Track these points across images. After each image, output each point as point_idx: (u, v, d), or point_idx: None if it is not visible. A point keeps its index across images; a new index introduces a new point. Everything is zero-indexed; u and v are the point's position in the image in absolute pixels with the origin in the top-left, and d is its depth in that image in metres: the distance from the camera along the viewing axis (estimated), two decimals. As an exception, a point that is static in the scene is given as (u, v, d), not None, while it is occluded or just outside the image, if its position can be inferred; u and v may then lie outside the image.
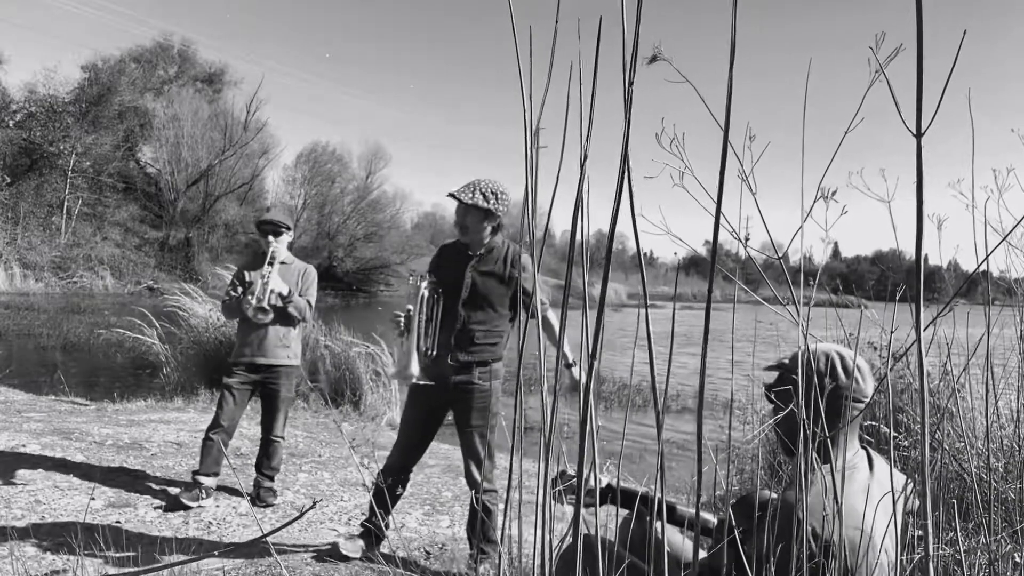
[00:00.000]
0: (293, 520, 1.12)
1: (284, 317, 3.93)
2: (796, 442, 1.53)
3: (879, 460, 1.64)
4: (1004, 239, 1.25)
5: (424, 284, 2.99)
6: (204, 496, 3.76)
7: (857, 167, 1.15)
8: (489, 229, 3.03)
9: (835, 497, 1.28)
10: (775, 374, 1.67)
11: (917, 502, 1.60)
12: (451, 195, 2.97)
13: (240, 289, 3.90)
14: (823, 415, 1.35)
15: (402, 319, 2.96)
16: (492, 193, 2.95)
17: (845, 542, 1.36)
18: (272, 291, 3.81)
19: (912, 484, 1.57)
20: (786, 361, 1.66)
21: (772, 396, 1.65)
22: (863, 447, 1.64)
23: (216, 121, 38.59)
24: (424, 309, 2.97)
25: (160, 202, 37.58)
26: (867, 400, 1.58)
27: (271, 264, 3.86)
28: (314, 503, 1.23)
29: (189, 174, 37.55)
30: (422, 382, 2.90)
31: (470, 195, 2.92)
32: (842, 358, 1.58)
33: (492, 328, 3.03)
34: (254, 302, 3.77)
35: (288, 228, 4.01)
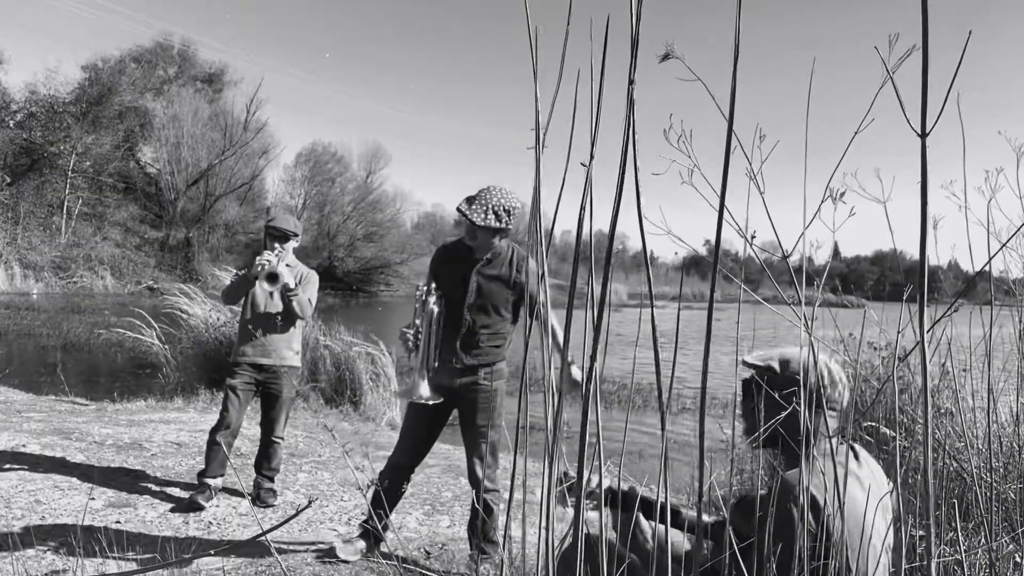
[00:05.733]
0: (288, 519, 1.12)
1: (285, 318, 3.92)
2: (777, 437, 1.69)
3: (866, 455, 1.71)
4: (1004, 246, 1.25)
5: (432, 299, 2.94)
6: (213, 496, 3.76)
7: (854, 167, 1.16)
8: (498, 240, 3.01)
9: (836, 482, 1.28)
10: (754, 367, 1.77)
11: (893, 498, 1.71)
12: (461, 214, 2.85)
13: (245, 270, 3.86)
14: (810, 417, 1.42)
15: (410, 336, 2.92)
16: (504, 211, 2.85)
17: (846, 520, 1.41)
18: (283, 260, 3.77)
19: (893, 483, 1.67)
20: (773, 363, 1.74)
21: (764, 389, 1.72)
22: (848, 443, 1.68)
23: (216, 121, 38.59)
24: (435, 328, 2.93)
25: (160, 202, 37.57)
26: (842, 407, 1.74)
27: (283, 247, 3.85)
28: (309, 503, 1.22)
29: (189, 174, 37.54)
30: (431, 403, 2.87)
31: (482, 216, 2.82)
32: (829, 369, 1.73)
33: (496, 331, 3.03)
34: (266, 265, 3.67)
35: (296, 235, 3.99)
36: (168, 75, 40.96)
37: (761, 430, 1.69)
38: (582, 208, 0.99)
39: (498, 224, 2.84)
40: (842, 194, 1.03)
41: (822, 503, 1.47)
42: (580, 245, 1.02)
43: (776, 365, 1.74)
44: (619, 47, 0.95)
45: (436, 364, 2.96)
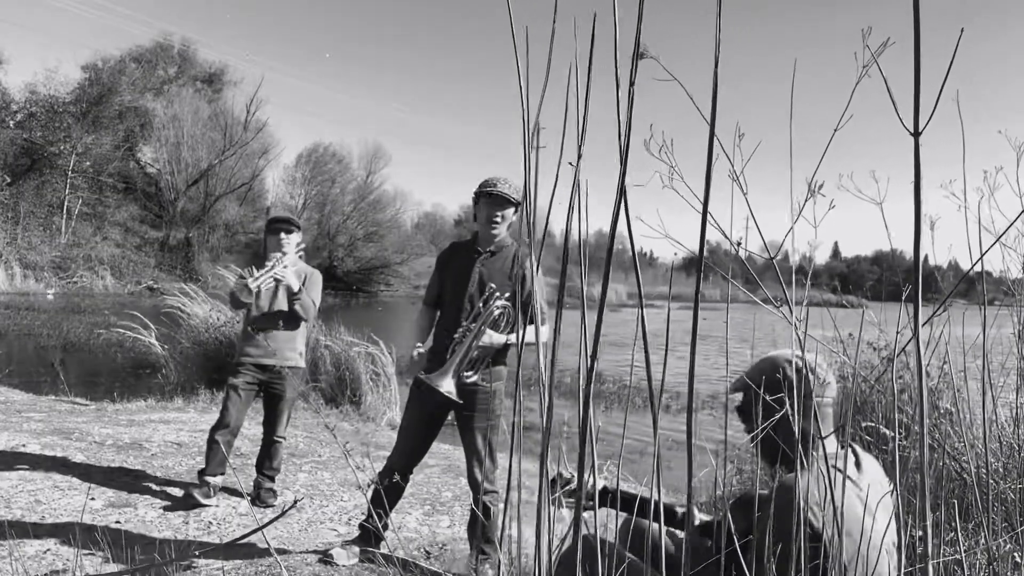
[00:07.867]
0: (276, 518, 1.12)
1: (289, 318, 3.93)
2: (777, 449, 1.61)
3: (867, 458, 1.66)
4: (997, 240, 1.25)
5: (500, 303, 2.92)
6: (212, 494, 3.76)
7: (851, 169, 1.16)
8: (512, 217, 3.09)
9: (831, 494, 1.28)
10: (741, 392, 1.76)
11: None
12: (501, 194, 2.97)
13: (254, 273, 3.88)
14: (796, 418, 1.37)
15: (457, 333, 2.92)
16: (516, 190, 3.05)
17: (843, 536, 1.38)
18: (286, 267, 3.80)
19: (894, 485, 1.63)
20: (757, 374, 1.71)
21: (742, 412, 1.74)
22: (849, 445, 1.64)
23: (216, 121, 38.57)
24: (483, 327, 2.89)
25: (160, 202, 37.57)
26: (832, 398, 1.69)
27: (285, 254, 3.88)
28: (295, 502, 1.23)
29: (189, 174, 37.53)
30: (453, 399, 2.83)
31: (507, 187, 3.01)
32: (814, 366, 1.67)
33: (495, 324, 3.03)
34: (281, 282, 3.80)
35: (298, 227, 4.00)
36: (168, 75, 40.94)
37: (753, 443, 1.68)
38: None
39: (517, 198, 3.01)
40: (820, 187, 1.03)
41: (819, 525, 1.40)
42: (569, 244, 1.02)
43: (750, 374, 1.72)
44: (611, 48, 0.95)
45: (431, 355, 2.98)
